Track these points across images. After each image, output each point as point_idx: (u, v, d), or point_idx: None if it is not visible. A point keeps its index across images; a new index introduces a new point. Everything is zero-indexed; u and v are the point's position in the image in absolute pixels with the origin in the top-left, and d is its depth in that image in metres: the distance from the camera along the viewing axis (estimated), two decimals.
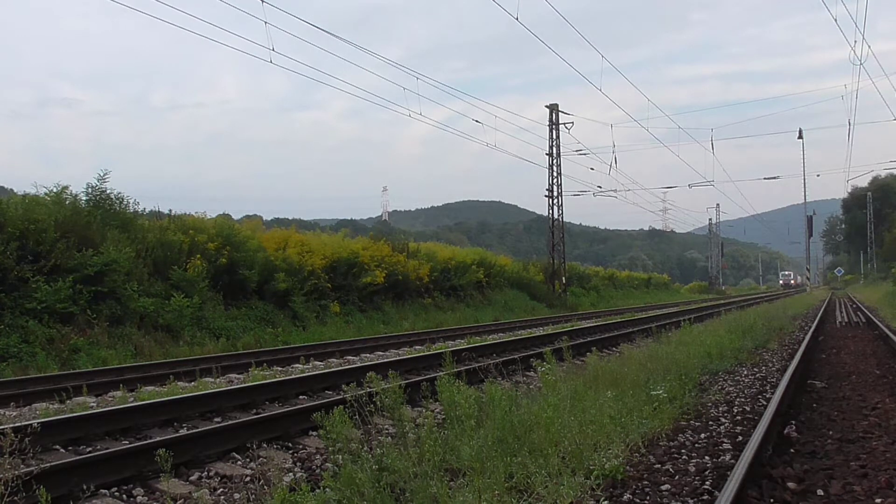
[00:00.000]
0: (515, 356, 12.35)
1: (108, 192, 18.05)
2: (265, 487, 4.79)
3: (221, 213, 25.79)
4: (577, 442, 5.08)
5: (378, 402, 5.22)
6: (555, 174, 41.51)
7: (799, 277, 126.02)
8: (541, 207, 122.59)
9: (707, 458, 5.50)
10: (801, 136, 52.33)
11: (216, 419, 7.85)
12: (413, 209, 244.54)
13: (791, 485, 4.83)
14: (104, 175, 18.02)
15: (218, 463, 6.08)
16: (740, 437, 6.14)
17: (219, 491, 5.40)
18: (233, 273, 19.30)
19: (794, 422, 6.89)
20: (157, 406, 7.65)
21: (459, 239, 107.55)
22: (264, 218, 41.84)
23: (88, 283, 15.10)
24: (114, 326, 15.20)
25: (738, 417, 7.09)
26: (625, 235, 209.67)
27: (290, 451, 6.60)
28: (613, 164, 53.33)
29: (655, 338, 14.14)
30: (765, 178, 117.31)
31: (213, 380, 10.74)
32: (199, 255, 18.39)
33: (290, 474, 5.63)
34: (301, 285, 21.27)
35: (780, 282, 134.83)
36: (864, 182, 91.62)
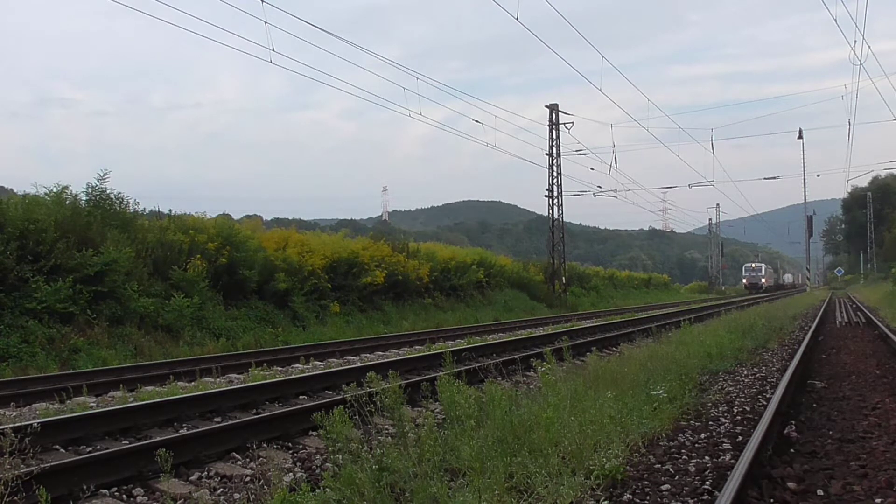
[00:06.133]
0: (515, 356, 12.35)
1: (107, 192, 18.06)
2: (265, 487, 4.79)
3: (221, 213, 25.81)
4: (577, 442, 5.07)
5: (378, 402, 5.22)
6: (555, 174, 41.51)
7: (789, 276, 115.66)
8: (541, 207, 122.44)
9: (707, 458, 5.50)
10: (801, 136, 52.33)
11: (216, 419, 7.85)
12: (413, 209, 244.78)
13: (791, 485, 4.84)
14: (104, 175, 18.03)
15: (218, 463, 6.08)
16: (740, 437, 6.14)
17: (219, 491, 5.40)
18: (233, 273, 19.30)
19: (793, 422, 6.89)
20: (157, 406, 7.65)
21: (459, 239, 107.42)
22: (264, 218, 41.81)
23: (88, 283, 15.10)
24: (114, 326, 15.20)
25: (738, 417, 7.09)
26: (625, 235, 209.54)
27: (290, 451, 6.60)
28: (613, 164, 53.36)
29: (655, 338, 14.14)
30: (765, 178, 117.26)
31: (213, 380, 10.73)
32: (199, 255, 18.40)
33: (290, 474, 5.63)
34: (301, 285, 21.28)
35: (743, 281, 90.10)
36: (864, 182, 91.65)
